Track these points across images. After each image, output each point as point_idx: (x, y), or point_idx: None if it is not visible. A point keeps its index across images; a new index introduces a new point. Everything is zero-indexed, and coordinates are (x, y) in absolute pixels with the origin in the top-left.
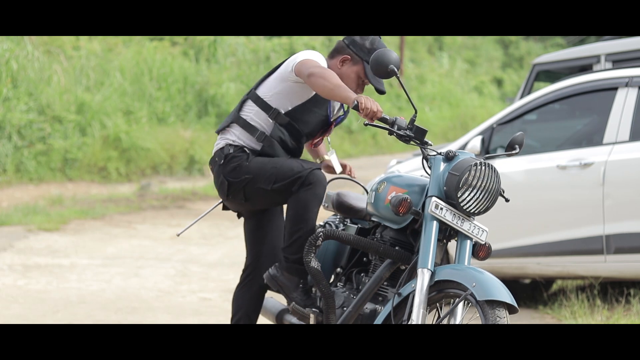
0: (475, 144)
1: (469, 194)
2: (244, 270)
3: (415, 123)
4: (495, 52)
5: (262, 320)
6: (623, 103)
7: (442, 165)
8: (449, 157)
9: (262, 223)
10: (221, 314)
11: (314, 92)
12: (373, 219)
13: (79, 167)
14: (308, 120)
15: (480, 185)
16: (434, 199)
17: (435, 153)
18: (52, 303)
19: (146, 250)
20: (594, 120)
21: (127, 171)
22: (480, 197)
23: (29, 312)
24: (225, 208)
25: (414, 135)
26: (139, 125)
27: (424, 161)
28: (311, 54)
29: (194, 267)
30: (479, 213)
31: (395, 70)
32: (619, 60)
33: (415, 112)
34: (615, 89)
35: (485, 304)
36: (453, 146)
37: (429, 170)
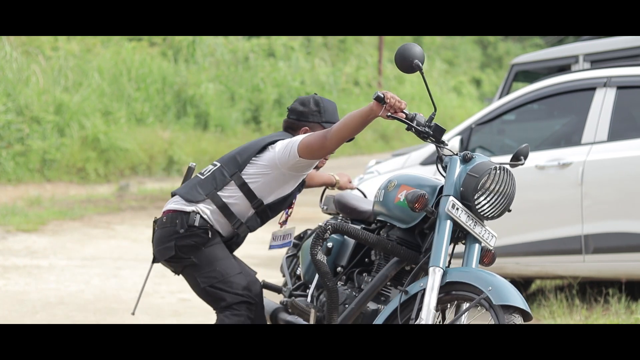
0: (454, 144)
1: (485, 198)
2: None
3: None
4: (473, 52)
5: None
6: (601, 103)
7: (459, 166)
8: (466, 159)
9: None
10: (200, 315)
11: (296, 185)
12: (380, 218)
13: (57, 168)
14: (281, 208)
15: (497, 189)
16: (451, 198)
17: (451, 153)
18: (30, 304)
19: (125, 251)
20: (573, 121)
21: (105, 172)
22: (496, 201)
23: (7, 314)
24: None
25: (432, 133)
26: (118, 126)
27: (438, 161)
28: (299, 137)
29: None
30: (492, 218)
31: (420, 64)
32: (598, 61)
33: (435, 110)
34: (594, 89)
35: (501, 308)
36: (432, 146)
37: (442, 171)
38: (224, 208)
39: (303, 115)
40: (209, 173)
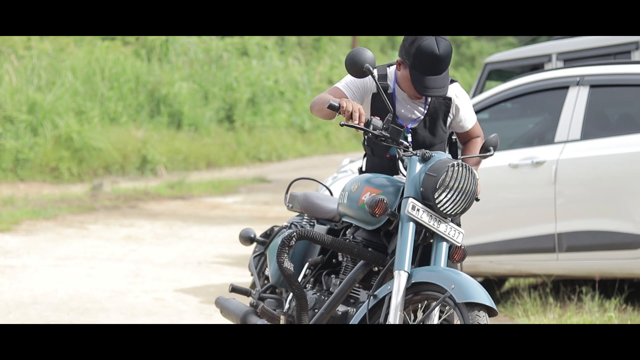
0: None
1: (445, 195)
2: None
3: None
4: None
5: (225, 322)
6: (574, 102)
7: (418, 166)
8: (425, 158)
9: None
10: (174, 314)
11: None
12: (344, 219)
13: (30, 167)
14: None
15: (457, 186)
16: (410, 199)
17: (410, 153)
18: (3, 304)
19: (99, 250)
20: (546, 119)
21: (79, 171)
22: (457, 198)
23: None
24: None
25: (389, 136)
26: (91, 125)
27: (399, 162)
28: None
29: (146, 267)
30: (456, 214)
31: (371, 68)
32: (570, 59)
33: (390, 113)
34: (567, 87)
35: (465, 306)
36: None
37: (403, 171)
38: None
39: (401, 46)
40: None
